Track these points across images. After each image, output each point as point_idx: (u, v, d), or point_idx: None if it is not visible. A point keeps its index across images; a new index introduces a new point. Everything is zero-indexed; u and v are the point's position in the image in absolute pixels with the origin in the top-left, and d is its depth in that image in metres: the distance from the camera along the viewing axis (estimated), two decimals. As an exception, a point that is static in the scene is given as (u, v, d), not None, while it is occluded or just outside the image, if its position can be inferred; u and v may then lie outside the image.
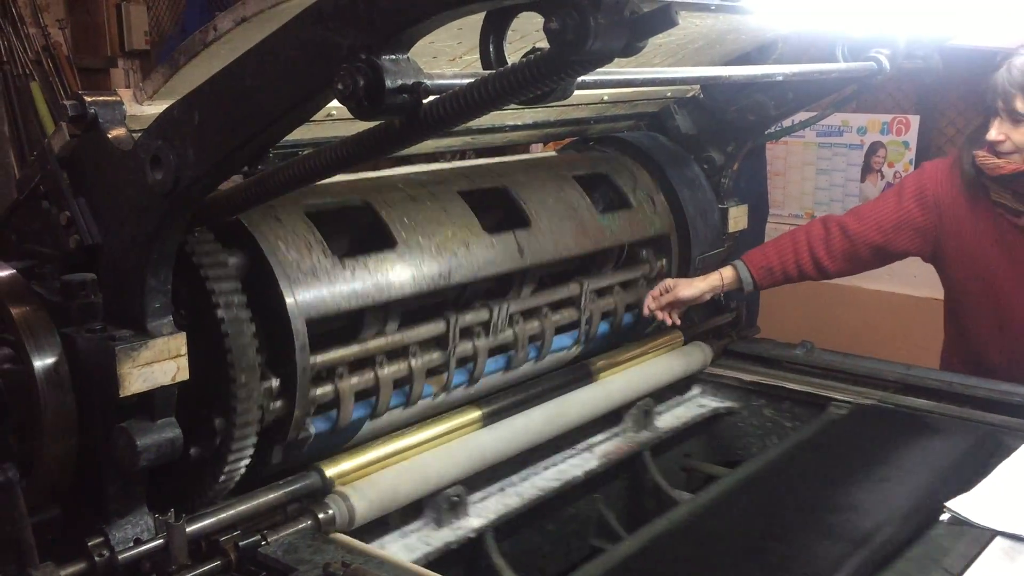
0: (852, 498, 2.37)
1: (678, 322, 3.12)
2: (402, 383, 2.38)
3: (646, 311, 3.03)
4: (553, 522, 2.77)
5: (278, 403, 2.12)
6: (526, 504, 2.58)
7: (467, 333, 2.50)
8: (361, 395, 2.29)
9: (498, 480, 2.64)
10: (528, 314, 2.67)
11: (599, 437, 2.96)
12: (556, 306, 2.78)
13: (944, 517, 2.22)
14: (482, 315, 2.52)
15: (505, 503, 2.56)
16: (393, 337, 2.32)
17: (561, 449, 2.84)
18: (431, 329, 2.41)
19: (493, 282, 2.59)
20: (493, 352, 2.60)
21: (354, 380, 2.26)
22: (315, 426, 2.22)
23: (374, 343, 2.28)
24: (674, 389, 3.27)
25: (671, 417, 3.17)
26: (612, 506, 2.89)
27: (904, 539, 2.15)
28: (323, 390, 2.20)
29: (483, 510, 2.51)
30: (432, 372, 2.44)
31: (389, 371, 2.31)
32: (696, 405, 3.29)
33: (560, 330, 2.81)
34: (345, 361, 2.23)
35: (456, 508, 2.44)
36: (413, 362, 2.36)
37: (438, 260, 2.38)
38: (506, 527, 2.53)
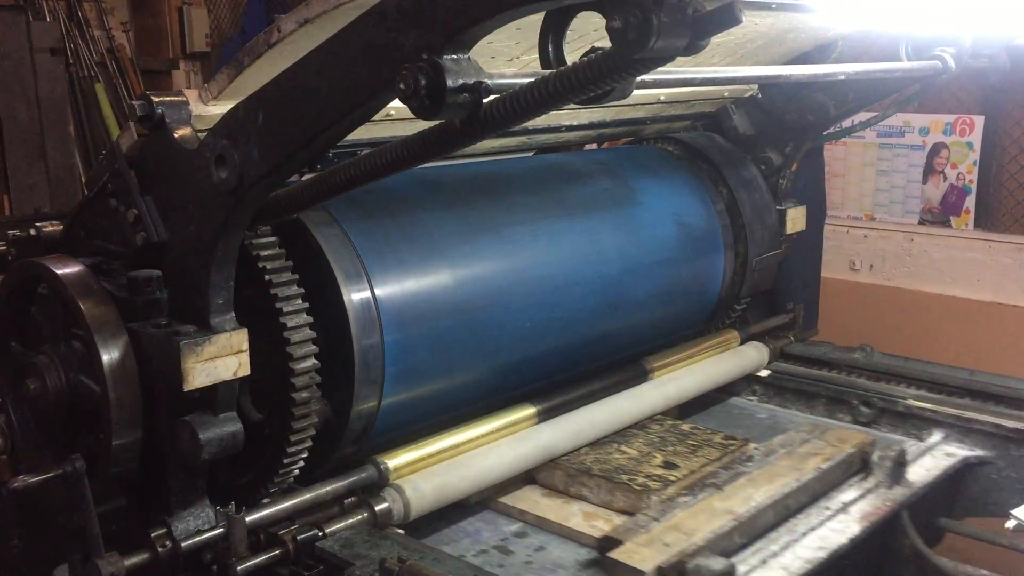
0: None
1: None
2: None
3: None
4: None
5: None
6: None
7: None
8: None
9: (756, 546, 2.28)
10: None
11: (850, 494, 2.53)
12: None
13: (1009, 524, 2.16)
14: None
15: None
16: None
17: (811, 506, 2.46)
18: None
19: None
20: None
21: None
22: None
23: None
24: (910, 434, 2.92)
25: (922, 470, 2.71)
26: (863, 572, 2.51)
27: None
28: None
29: None
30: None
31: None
32: (943, 454, 2.83)
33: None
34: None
35: None
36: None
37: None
38: None
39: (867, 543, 2.42)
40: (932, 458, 2.79)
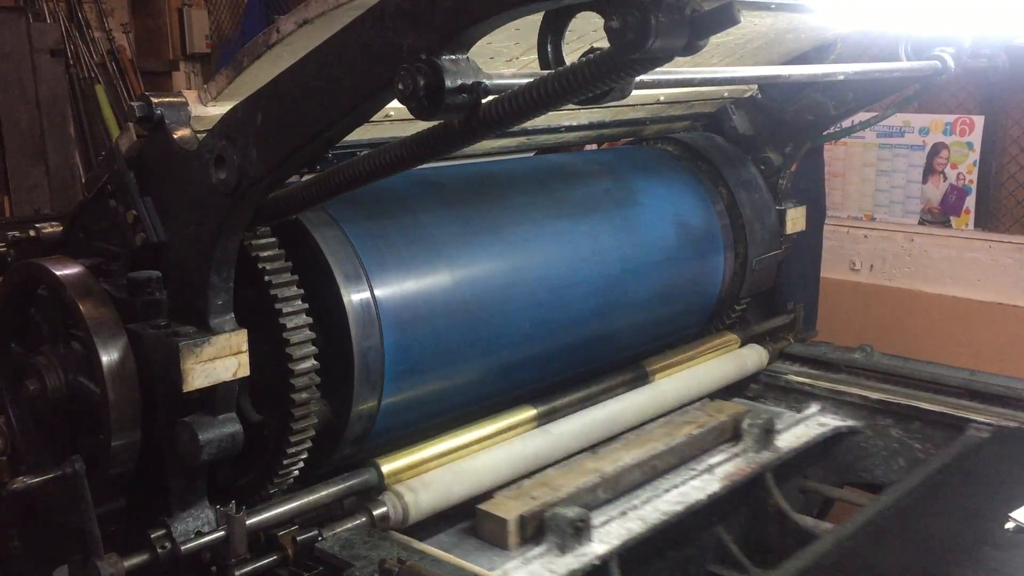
0: (1011, 532, 2.17)
1: None
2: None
3: None
4: (674, 548, 2.61)
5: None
6: (650, 529, 2.44)
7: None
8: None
9: (619, 501, 2.52)
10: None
11: (718, 457, 2.80)
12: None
13: (1009, 526, 2.17)
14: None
15: (628, 528, 2.42)
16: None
17: (679, 468, 2.70)
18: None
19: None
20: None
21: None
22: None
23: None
24: (791, 406, 3.14)
25: (792, 436, 2.97)
26: (732, 530, 2.74)
27: None
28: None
29: (607, 535, 2.37)
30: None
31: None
32: (816, 423, 3.09)
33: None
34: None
35: (580, 533, 2.31)
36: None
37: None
38: (630, 554, 2.38)
39: (729, 501, 2.67)
40: (805, 427, 3.06)
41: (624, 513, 2.49)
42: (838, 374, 3.26)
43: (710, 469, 2.74)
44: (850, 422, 3.12)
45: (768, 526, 2.79)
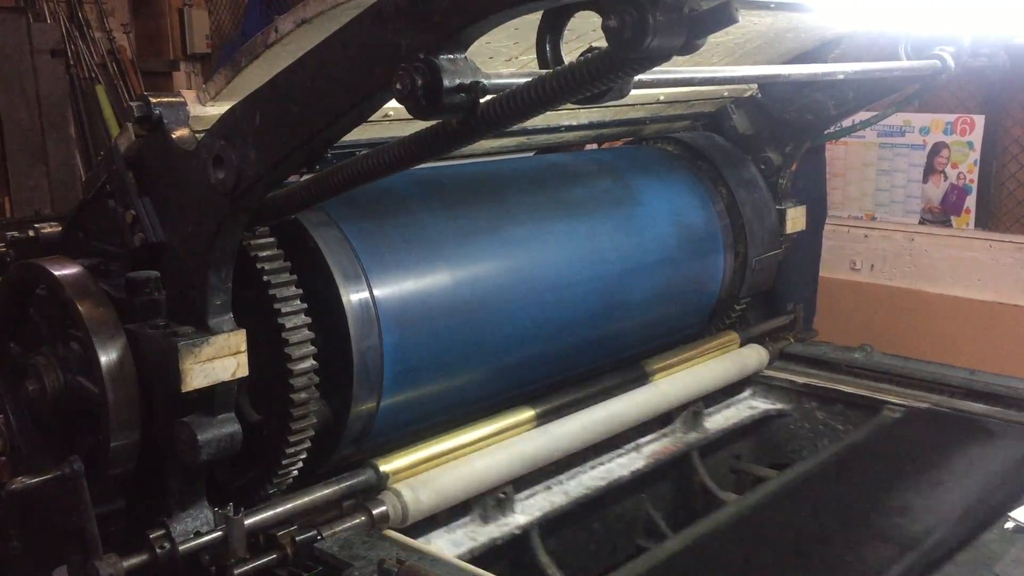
0: (902, 501, 2.34)
1: None
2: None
3: None
4: (599, 521, 2.78)
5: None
6: (572, 502, 2.60)
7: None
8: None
9: (545, 478, 2.66)
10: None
11: (648, 437, 2.97)
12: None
13: (1009, 525, 2.17)
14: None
15: (551, 501, 2.59)
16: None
17: (609, 449, 2.85)
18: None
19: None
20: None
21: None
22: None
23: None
24: (724, 391, 3.25)
25: (721, 418, 3.16)
26: (659, 506, 2.90)
27: (955, 543, 2.13)
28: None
29: (529, 507, 2.54)
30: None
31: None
32: (747, 407, 3.28)
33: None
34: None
35: (503, 505, 2.46)
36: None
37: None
38: (552, 524, 2.55)
39: (654, 478, 2.87)
40: (735, 410, 3.23)
41: (549, 488, 2.64)
42: (839, 374, 3.26)
43: (638, 448, 2.90)
44: (779, 405, 3.28)
45: (694, 502, 2.95)
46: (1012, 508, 2.23)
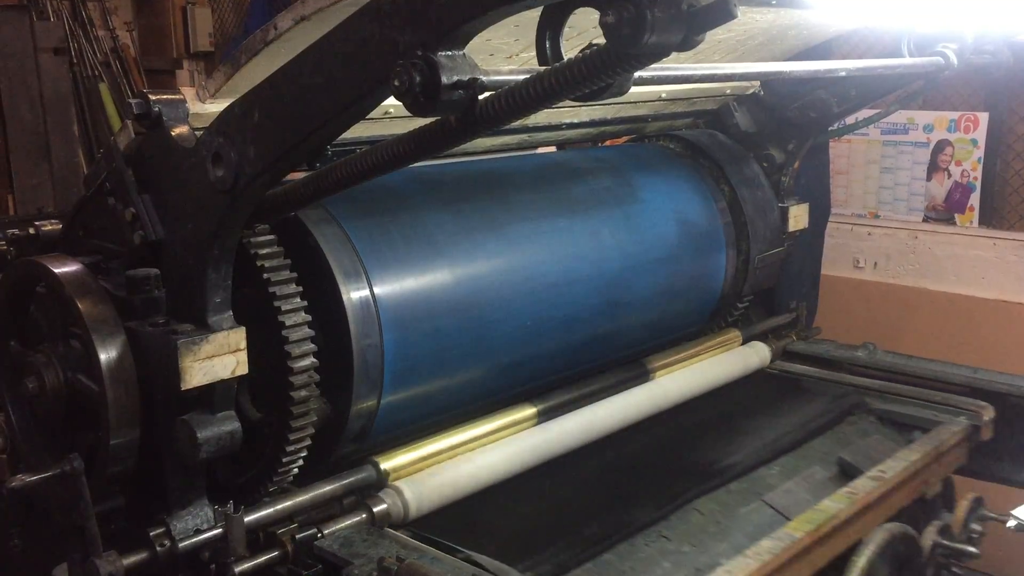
0: (717, 447, 2.71)
1: None
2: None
3: None
4: None
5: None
6: None
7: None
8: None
9: None
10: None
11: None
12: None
13: (1011, 524, 2.17)
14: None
15: None
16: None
17: None
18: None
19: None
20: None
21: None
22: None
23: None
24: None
25: None
26: None
27: (735, 475, 2.57)
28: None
29: None
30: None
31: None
32: None
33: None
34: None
35: None
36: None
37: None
38: None
39: None
40: None
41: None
42: (841, 372, 3.25)
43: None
44: None
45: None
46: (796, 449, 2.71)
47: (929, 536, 2.63)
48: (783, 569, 2.13)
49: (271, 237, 2.08)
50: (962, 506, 2.79)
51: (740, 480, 2.57)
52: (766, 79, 3.15)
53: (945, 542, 2.65)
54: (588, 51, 1.29)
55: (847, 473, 2.65)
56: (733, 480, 2.56)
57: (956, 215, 5.15)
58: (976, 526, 2.78)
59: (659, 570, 2.21)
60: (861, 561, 2.28)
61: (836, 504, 2.34)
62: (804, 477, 2.64)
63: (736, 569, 2.06)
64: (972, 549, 2.67)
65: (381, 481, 2.25)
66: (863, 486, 2.45)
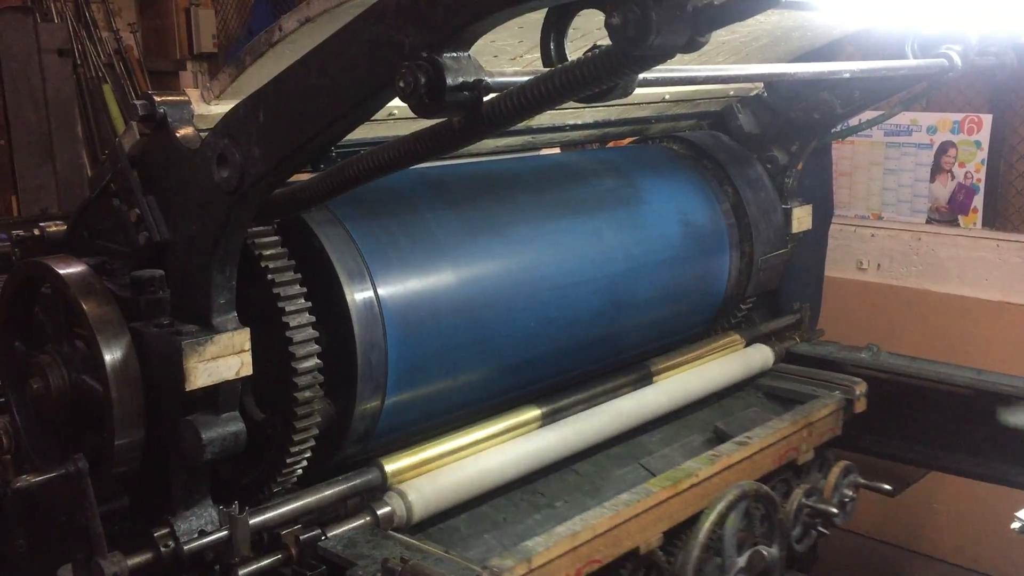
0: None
1: None
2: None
3: None
4: None
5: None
6: None
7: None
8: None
9: None
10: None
11: None
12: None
13: (1015, 526, 2.17)
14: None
15: None
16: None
17: None
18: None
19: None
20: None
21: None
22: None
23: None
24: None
25: None
26: None
27: (616, 441, 2.76)
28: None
29: None
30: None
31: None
32: None
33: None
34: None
35: None
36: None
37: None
38: None
39: None
40: None
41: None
42: (845, 374, 3.25)
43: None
44: None
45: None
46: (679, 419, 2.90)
47: (796, 498, 2.86)
48: (639, 518, 2.35)
49: (275, 238, 2.08)
50: (834, 472, 3.02)
51: (622, 445, 2.79)
52: (770, 81, 3.15)
53: (809, 503, 2.87)
54: (593, 52, 1.29)
55: (720, 439, 2.88)
56: (614, 445, 2.77)
57: (959, 217, 5.15)
58: (849, 492, 3.03)
59: (530, 520, 2.45)
60: (712, 514, 2.43)
61: (697, 464, 2.57)
62: (682, 444, 2.90)
63: (592, 517, 2.26)
64: (834, 510, 2.90)
65: (385, 483, 2.25)
66: (726, 449, 2.69)
